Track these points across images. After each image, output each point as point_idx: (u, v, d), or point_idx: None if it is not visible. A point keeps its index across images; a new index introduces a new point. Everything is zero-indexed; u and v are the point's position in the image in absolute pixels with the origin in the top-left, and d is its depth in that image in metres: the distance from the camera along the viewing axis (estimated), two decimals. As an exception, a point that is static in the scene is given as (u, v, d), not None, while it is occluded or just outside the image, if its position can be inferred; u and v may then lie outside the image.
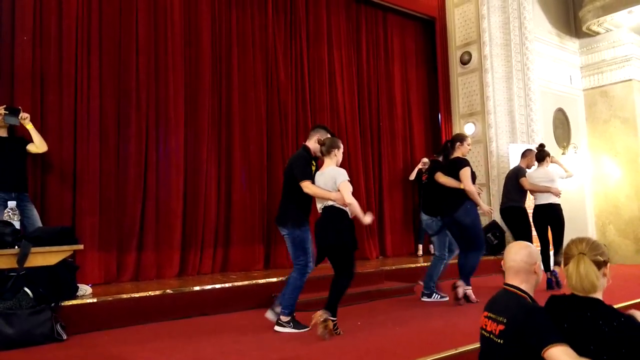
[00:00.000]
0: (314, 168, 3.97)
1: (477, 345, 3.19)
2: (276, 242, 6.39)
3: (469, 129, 8.29)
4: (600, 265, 1.95)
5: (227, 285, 4.83)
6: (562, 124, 9.27)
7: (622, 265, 8.34)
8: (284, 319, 3.88)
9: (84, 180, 5.16)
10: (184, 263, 5.72)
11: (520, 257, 2.08)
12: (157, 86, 5.79)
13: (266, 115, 6.65)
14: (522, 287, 2.06)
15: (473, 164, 7.88)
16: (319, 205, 3.84)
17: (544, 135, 8.48)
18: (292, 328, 3.85)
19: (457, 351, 3.12)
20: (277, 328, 3.86)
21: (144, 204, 5.54)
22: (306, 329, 3.84)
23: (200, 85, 6.08)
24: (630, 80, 9.12)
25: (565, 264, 1.99)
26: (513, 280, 2.08)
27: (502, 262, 2.18)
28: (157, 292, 4.44)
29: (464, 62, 8.46)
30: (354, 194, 3.78)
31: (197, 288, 4.66)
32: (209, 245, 5.91)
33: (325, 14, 7.49)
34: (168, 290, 4.52)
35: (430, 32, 8.81)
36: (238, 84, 6.42)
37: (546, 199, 5.81)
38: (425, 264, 6.81)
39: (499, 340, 1.98)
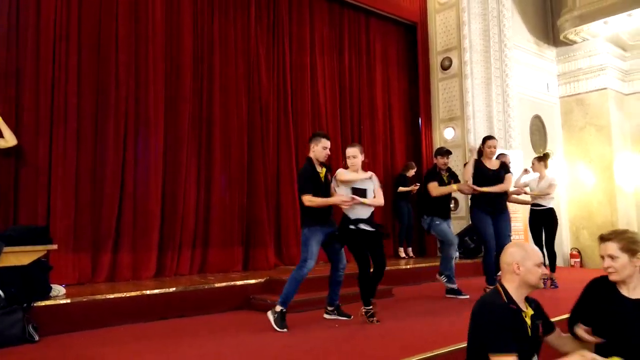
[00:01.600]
0: (322, 174, 4.20)
1: (453, 347, 3.28)
2: (255, 244, 6.39)
3: (448, 133, 8.40)
4: None
5: (205, 286, 4.80)
6: (538, 131, 9.47)
7: (595, 270, 8.52)
8: (277, 307, 4.00)
9: (60, 179, 5.09)
10: (161, 264, 5.67)
11: (504, 257, 2.15)
12: (136, 86, 5.73)
13: (247, 118, 6.63)
14: (506, 285, 2.10)
15: (452, 168, 8.05)
16: None
17: (521, 141, 8.64)
18: (273, 321, 3.94)
19: (433, 354, 3.15)
20: (268, 313, 4.03)
21: (120, 204, 5.47)
22: (283, 330, 3.89)
23: (181, 86, 6.05)
24: (605, 89, 9.37)
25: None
26: (502, 278, 2.15)
27: None
28: (133, 293, 4.39)
29: (444, 68, 8.58)
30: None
31: (174, 289, 4.62)
32: (187, 247, 5.87)
33: (308, 18, 7.52)
34: (145, 292, 4.47)
35: (412, 38, 8.91)
36: (219, 86, 6.39)
37: (546, 203, 6.09)
38: (409, 266, 6.92)
39: (469, 330, 2.10)
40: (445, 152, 5.51)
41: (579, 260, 9.28)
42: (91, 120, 5.38)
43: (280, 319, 3.95)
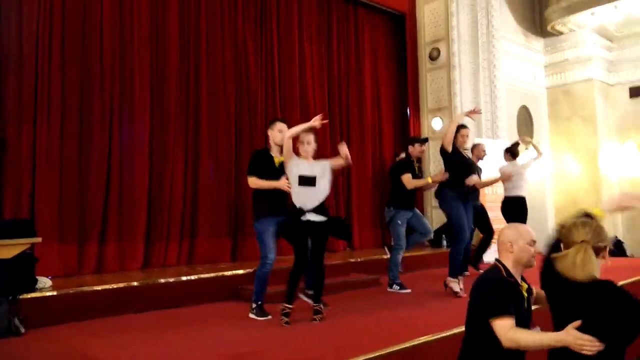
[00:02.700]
0: (277, 160, 4.16)
1: (439, 335, 3.32)
2: (244, 234, 6.36)
3: (436, 124, 8.42)
4: (599, 250, 2.06)
5: (192, 277, 4.78)
6: (525, 121, 9.53)
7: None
8: (253, 304, 4.08)
9: (44, 168, 5.00)
10: (148, 255, 5.62)
11: (499, 237, 2.32)
12: (122, 73, 5.64)
13: (235, 106, 6.57)
14: (504, 262, 2.26)
15: (439, 159, 8.09)
16: None
17: (508, 131, 8.69)
18: (255, 315, 4.03)
19: (419, 342, 3.19)
20: (249, 314, 4.08)
21: (106, 194, 5.41)
22: (266, 317, 3.97)
23: (167, 74, 5.97)
24: (591, 79, 9.46)
25: (565, 248, 2.06)
26: (499, 255, 2.30)
27: None
28: (121, 285, 4.36)
29: (432, 58, 8.57)
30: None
31: (162, 280, 4.60)
32: (175, 237, 5.83)
33: (296, 6, 7.44)
34: (132, 283, 4.44)
35: (401, 28, 8.87)
36: (207, 73, 6.32)
37: (517, 191, 6.16)
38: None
39: (468, 308, 2.27)
40: (424, 140, 5.47)
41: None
42: (76, 108, 5.28)
43: (260, 310, 4.03)
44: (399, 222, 5.27)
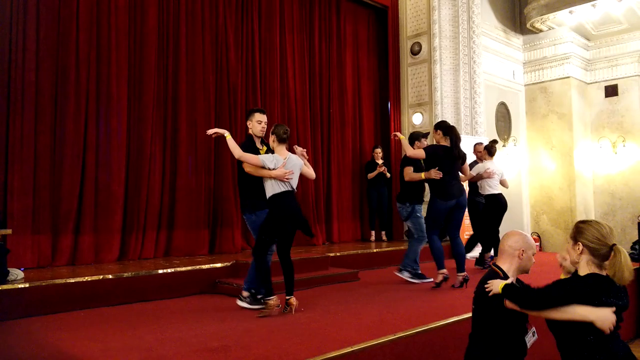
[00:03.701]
0: (262, 152, 4.11)
1: (417, 330, 3.35)
2: (222, 226, 6.34)
3: (416, 119, 8.46)
4: None
5: (169, 270, 4.75)
6: (503, 117, 9.65)
7: (553, 253, 8.84)
8: (244, 293, 4.10)
9: (17, 158, 4.90)
10: (124, 247, 5.57)
11: (509, 242, 2.44)
12: (98, 63, 5.54)
13: (215, 97, 6.51)
14: (503, 267, 2.42)
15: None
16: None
17: (487, 127, 8.79)
18: (248, 304, 4.06)
19: (396, 336, 3.22)
20: (237, 302, 4.11)
21: (82, 185, 5.33)
22: (262, 307, 3.97)
23: (145, 64, 5.88)
24: (568, 77, 9.61)
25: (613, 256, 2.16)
26: (499, 260, 2.47)
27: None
28: (95, 277, 4.30)
29: (414, 53, 8.59)
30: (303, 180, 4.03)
31: (137, 273, 4.56)
32: (152, 229, 5.78)
33: (278, -3, 7.39)
34: (107, 275, 4.39)
35: (383, 21, 8.88)
36: (186, 63, 6.25)
37: (495, 189, 6.27)
38: (376, 250, 7.00)
39: (473, 306, 2.43)
40: (425, 135, 5.48)
41: (538, 244, 9.60)
42: (50, 98, 5.18)
43: (253, 299, 4.07)
44: (418, 214, 5.37)
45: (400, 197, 5.45)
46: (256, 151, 4.08)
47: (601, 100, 9.88)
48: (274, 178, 3.85)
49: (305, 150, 4.24)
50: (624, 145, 9.49)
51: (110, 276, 4.39)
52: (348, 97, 8.34)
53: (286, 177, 3.87)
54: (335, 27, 8.25)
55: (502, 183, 6.45)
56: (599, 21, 9.41)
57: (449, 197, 5.00)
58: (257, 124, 4.17)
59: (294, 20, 7.61)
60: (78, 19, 5.39)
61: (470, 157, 6.64)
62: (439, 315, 3.69)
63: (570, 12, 8.96)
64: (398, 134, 5.47)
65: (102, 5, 5.59)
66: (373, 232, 8.04)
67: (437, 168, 4.97)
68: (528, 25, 9.59)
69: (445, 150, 5.03)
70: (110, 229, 5.44)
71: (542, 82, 9.89)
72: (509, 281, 2.32)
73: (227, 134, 3.95)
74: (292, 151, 4.16)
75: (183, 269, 4.85)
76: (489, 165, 6.33)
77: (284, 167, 3.88)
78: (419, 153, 5.09)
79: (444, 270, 5.01)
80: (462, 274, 5.03)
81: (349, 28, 8.44)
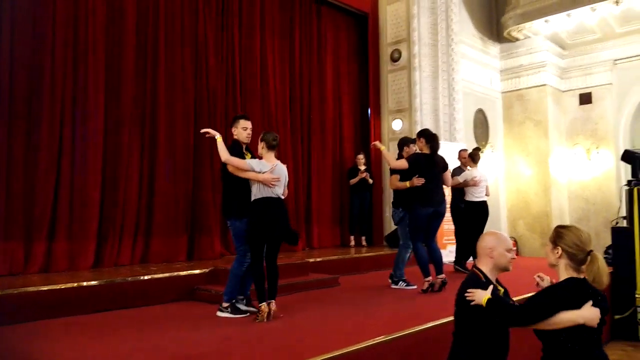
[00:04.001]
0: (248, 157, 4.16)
1: (396, 335, 3.36)
2: (201, 232, 6.28)
3: (396, 125, 8.53)
4: None
5: (146, 277, 4.69)
6: (481, 124, 9.80)
7: (530, 257, 8.99)
8: (224, 304, 4.07)
9: (-12, 163, 4.76)
10: (100, 254, 5.48)
11: (481, 243, 2.49)
12: (75, 66, 5.45)
13: (194, 101, 6.46)
14: (482, 268, 2.46)
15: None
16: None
17: (465, 133, 8.91)
18: (230, 313, 4.05)
19: (375, 342, 3.22)
20: (217, 313, 4.08)
21: (56, 191, 5.22)
22: (244, 315, 4.01)
23: (123, 67, 5.81)
24: (544, 85, 9.81)
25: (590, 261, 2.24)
26: (478, 262, 2.50)
27: None
28: (70, 285, 4.22)
29: (394, 60, 8.68)
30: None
31: (113, 280, 4.48)
32: (129, 235, 5.69)
33: (259, 2, 7.37)
34: (82, 283, 4.30)
35: (363, 28, 8.94)
36: (165, 66, 6.19)
37: (480, 195, 6.36)
38: (357, 255, 7.01)
39: (455, 308, 2.46)
40: (413, 141, 5.51)
41: (515, 249, 9.76)
42: (24, 100, 5.06)
43: (234, 308, 4.06)
44: (408, 222, 5.37)
45: (394, 202, 5.55)
46: (242, 157, 4.09)
47: (576, 107, 10.12)
48: (260, 182, 3.87)
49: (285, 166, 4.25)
50: (597, 152, 9.72)
51: (85, 283, 4.30)
52: (328, 103, 8.37)
53: (272, 183, 3.89)
54: (315, 33, 8.28)
55: (486, 191, 6.54)
56: (574, 30, 9.65)
57: (428, 204, 5.07)
58: (243, 130, 4.19)
59: (274, 25, 7.61)
60: (54, 18, 5.29)
61: (455, 163, 6.76)
62: (419, 320, 3.71)
63: (545, 21, 9.16)
64: (377, 143, 5.52)
65: (79, 5, 5.49)
66: (352, 238, 8.07)
67: (417, 176, 5.04)
68: (505, 34, 9.78)
69: (427, 159, 5.11)
70: (86, 235, 5.34)
71: (519, 89, 10.08)
72: (489, 290, 2.33)
73: (218, 136, 3.99)
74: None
75: (160, 275, 4.79)
76: (475, 173, 6.40)
77: (272, 173, 3.92)
78: (401, 164, 5.15)
79: (430, 278, 5.07)
80: (441, 276, 5.09)
81: (329, 34, 8.48)
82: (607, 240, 7.57)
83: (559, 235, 2.33)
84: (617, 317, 6.03)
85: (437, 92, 8.46)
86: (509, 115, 10.20)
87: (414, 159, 5.14)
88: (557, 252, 2.30)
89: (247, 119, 4.28)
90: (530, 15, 9.19)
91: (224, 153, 3.92)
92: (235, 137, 4.22)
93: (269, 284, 3.97)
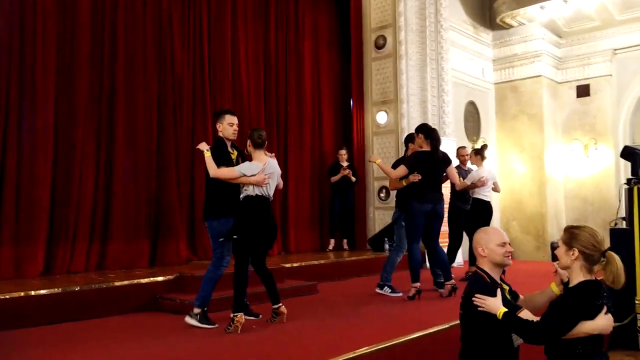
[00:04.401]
0: (233, 157, 4.25)
1: (379, 346, 3.37)
2: (164, 235, 6.25)
3: (381, 117, 8.55)
4: None
5: (103, 285, 4.66)
6: (472, 117, 9.90)
7: (524, 261, 9.11)
8: (195, 310, 4.07)
9: None
10: (50, 260, 5.40)
11: (473, 242, 2.62)
12: (21, 53, 5.35)
13: (157, 91, 6.41)
14: (485, 268, 2.54)
15: (384, 155, 8.26)
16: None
17: (455, 127, 8.98)
18: (198, 322, 4.03)
19: (355, 354, 3.22)
20: (185, 319, 4.07)
21: (0, 191, 5.11)
22: (213, 326, 4.00)
23: (76, 53, 5.73)
24: (539, 76, 9.95)
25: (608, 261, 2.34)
26: (478, 262, 2.59)
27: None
28: (16, 294, 4.16)
29: (378, 47, 8.69)
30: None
31: (66, 288, 4.43)
32: (83, 239, 5.63)
33: (229, -19, 7.33)
34: (29, 292, 4.24)
35: (345, 11, 8.94)
36: (124, 53, 6.12)
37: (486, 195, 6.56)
38: (337, 260, 7.02)
39: (460, 311, 2.53)
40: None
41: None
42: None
43: (204, 317, 4.06)
44: (403, 223, 5.44)
45: (396, 203, 5.73)
46: (228, 155, 4.18)
47: (573, 100, 10.29)
48: (253, 184, 3.98)
49: (273, 154, 4.34)
50: (595, 148, 9.91)
51: (33, 292, 4.24)
52: (307, 94, 8.36)
53: (265, 181, 3.99)
54: (292, 16, 8.26)
55: (495, 187, 6.70)
56: (571, 17, 9.81)
57: (424, 200, 5.14)
58: (229, 126, 4.24)
59: (247, 7, 7.57)
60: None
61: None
62: (405, 330, 3.74)
63: (541, 7, 9.30)
64: (372, 158, 5.63)
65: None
66: (332, 241, 8.08)
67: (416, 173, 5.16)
68: (498, 21, 9.90)
69: (428, 156, 5.18)
70: (34, 239, 5.25)
71: (512, 80, 10.21)
72: (499, 296, 2.39)
73: (206, 151, 4.04)
74: None
75: (119, 283, 4.76)
76: (482, 172, 6.51)
77: (263, 172, 4.02)
78: (401, 172, 5.22)
79: (418, 284, 5.13)
80: (450, 282, 5.19)
81: (308, 18, 8.46)
82: (606, 242, 7.72)
83: (573, 236, 2.38)
84: (615, 324, 6.14)
85: (425, 82, 8.50)
86: (502, 108, 10.33)
87: (414, 160, 5.21)
88: (573, 254, 2.35)
89: (233, 113, 4.34)
90: (525, 0, 9.31)
91: (211, 169, 4.00)
92: (220, 133, 4.27)
93: (268, 288, 4.11)
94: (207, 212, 4.23)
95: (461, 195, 6.56)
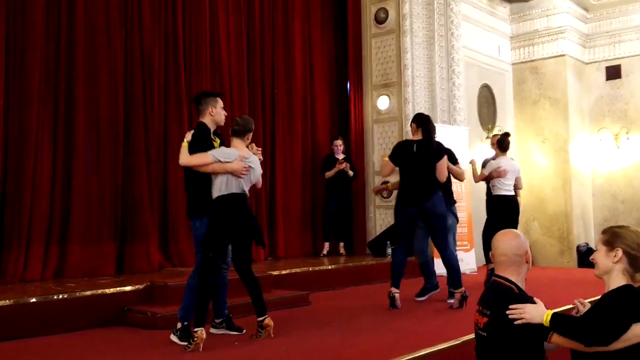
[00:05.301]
0: (216, 145, 4.27)
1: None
2: (133, 238, 6.23)
3: (382, 103, 8.55)
4: None
5: (62, 296, 4.63)
6: (487, 103, 9.91)
7: (545, 267, 9.15)
8: (178, 324, 4.11)
9: None
10: (0, 267, 5.39)
11: (511, 250, 2.51)
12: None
13: (124, 70, 6.39)
14: (512, 278, 2.49)
15: (385, 145, 8.25)
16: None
17: (468, 114, 9.00)
18: (178, 338, 4.03)
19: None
20: (170, 336, 4.10)
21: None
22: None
23: (28, 26, 5.68)
24: (563, 55, 9.97)
25: None
26: (504, 272, 2.52)
27: (490, 253, 2.65)
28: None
29: (379, 21, 8.68)
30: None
31: (18, 300, 4.39)
32: (38, 243, 5.60)
33: (207, -55, 7.29)
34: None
35: (340, -20, 8.94)
36: (84, 27, 6.09)
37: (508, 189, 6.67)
38: (332, 266, 7.01)
39: (483, 333, 2.47)
40: None
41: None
42: None
43: (185, 332, 4.03)
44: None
45: None
46: (210, 143, 4.19)
47: (601, 83, 10.32)
48: (229, 173, 3.98)
49: (260, 150, 4.39)
50: (627, 138, 9.95)
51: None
52: (297, 76, 8.34)
53: (243, 172, 4.01)
54: (280, -15, 8.22)
55: (517, 183, 6.81)
56: (600, -13, 9.82)
57: (407, 203, 5.27)
58: (222, 110, 4.33)
59: (227, -27, 7.53)
60: None
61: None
62: (406, 348, 3.72)
63: (565, -24, 9.31)
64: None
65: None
66: (327, 245, 8.08)
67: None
68: (516, -10, 9.90)
69: (410, 146, 5.28)
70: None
71: (533, 60, 10.22)
72: (540, 303, 2.38)
73: (185, 140, 4.14)
74: None
75: (80, 294, 4.74)
76: (503, 162, 6.62)
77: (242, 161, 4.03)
78: (384, 165, 5.48)
79: (394, 289, 5.22)
80: (460, 290, 5.26)
81: (298, -12, 8.43)
82: None
83: (617, 235, 2.39)
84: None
85: (432, 62, 8.50)
86: (520, 92, 10.34)
87: (394, 151, 5.36)
88: (616, 255, 2.35)
89: (222, 97, 4.46)
90: (547, -32, 9.32)
91: (182, 156, 4.07)
92: (212, 116, 4.29)
93: (253, 297, 4.13)
94: (192, 209, 4.27)
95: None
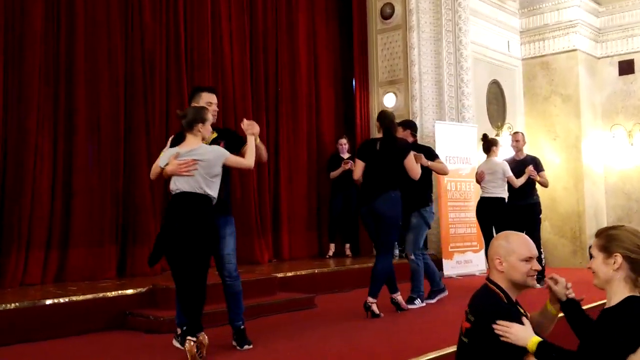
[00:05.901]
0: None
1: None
2: (135, 241, 6.26)
3: (389, 100, 8.55)
4: None
5: (62, 300, 4.65)
6: (496, 100, 9.89)
7: (557, 268, 9.11)
8: (178, 330, 4.00)
9: None
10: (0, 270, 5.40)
11: (490, 249, 2.45)
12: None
13: (124, 70, 6.42)
14: (500, 283, 2.34)
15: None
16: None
17: (477, 111, 8.99)
18: (179, 343, 3.91)
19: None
20: (173, 341, 4.03)
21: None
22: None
23: (27, 26, 5.71)
24: (575, 50, 9.93)
25: None
26: (492, 276, 2.40)
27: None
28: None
29: (385, 16, 8.69)
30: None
31: (19, 304, 4.41)
32: (39, 247, 5.62)
33: (209, -60, 7.32)
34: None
35: (345, -25, 8.94)
36: (84, 24, 6.12)
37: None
38: (338, 268, 7.01)
39: (465, 339, 2.33)
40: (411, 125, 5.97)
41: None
42: None
43: (183, 336, 3.91)
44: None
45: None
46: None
47: (614, 79, 10.28)
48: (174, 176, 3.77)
49: (250, 122, 4.12)
50: (642, 135, 9.90)
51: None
52: (301, 73, 8.37)
53: (180, 170, 3.70)
54: (284, -20, 8.24)
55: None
56: (612, -20, 9.79)
57: (361, 200, 5.37)
58: (207, 106, 4.09)
59: (229, -30, 7.55)
60: None
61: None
62: (413, 352, 3.73)
63: (576, -32, 9.28)
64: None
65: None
66: (332, 246, 8.11)
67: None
68: (526, -16, 9.88)
69: (374, 144, 5.32)
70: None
71: (543, 55, 10.19)
72: (528, 325, 2.23)
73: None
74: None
75: (81, 297, 4.76)
76: (483, 165, 6.96)
77: (181, 157, 3.72)
78: (355, 168, 5.42)
79: (370, 299, 5.09)
80: (395, 294, 5.34)
81: (302, -17, 8.45)
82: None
83: (613, 238, 2.21)
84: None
85: (440, 58, 8.50)
86: (531, 89, 10.31)
87: (359, 149, 5.55)
88: (615, 262, 2.17)
89: (211, 91, 4.27)
90: (558, -40, 9.30)
91: (154, 165, 3.95)
92: None
93: (192, 309, 3.76)
94: None
95: (520, 193, 6.99)
